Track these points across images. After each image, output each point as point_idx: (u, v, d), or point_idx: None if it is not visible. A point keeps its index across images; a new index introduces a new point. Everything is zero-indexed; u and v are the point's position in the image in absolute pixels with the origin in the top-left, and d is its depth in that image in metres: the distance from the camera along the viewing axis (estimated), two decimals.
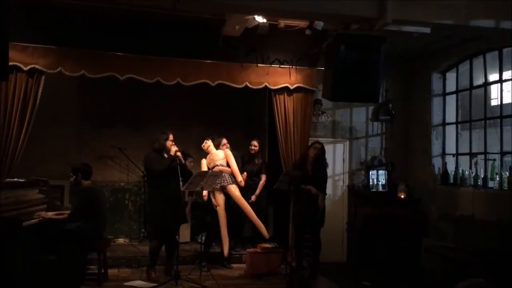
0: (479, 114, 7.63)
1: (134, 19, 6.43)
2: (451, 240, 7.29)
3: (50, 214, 6.10)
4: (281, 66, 7.10)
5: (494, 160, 6.98)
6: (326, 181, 6.92)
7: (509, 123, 7.27)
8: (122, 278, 6.47)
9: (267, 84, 7.14)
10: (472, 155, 7.54)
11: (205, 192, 6.97)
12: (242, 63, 6.93)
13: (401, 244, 7.40)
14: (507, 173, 6.67)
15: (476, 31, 6.10)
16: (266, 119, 8.56)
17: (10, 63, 5.10)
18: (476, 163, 7.30)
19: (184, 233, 7.82)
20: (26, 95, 6.21)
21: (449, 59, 8.04)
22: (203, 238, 7.08)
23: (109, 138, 8.22)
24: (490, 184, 6.92)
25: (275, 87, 7.20)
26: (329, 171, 7.27)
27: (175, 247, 6.28)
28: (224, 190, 6.95)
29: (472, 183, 7.21)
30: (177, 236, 6.32)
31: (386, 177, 8.33)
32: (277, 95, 7.28)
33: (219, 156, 7.09)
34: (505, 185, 6.63)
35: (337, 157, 8.48)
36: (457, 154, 7.94)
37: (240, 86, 7.05)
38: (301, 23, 6.64)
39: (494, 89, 8.61)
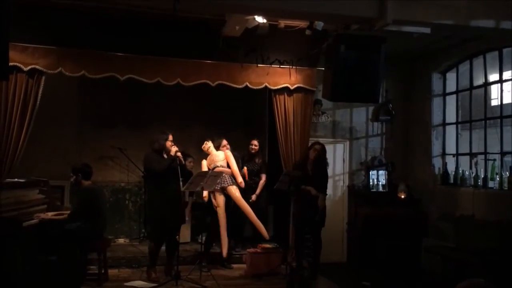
0: (479, 114, 7.63)
1: (134, 19, 6.44)
2: (451, 240, 7.29)
3: (50, 214, 6.11)
4: (281, 66, 7.10)
5: (494, 160, 6.98)
6: (326, 182, 6.91)
7: (509, 123, 7.27)
8: (122, 278, 6.47)
9: (267, 84, 7.14)
10: (472, 155, 7.54)
11: (205, 193, 6.97)
12: (242, 63, 6.94)
13: (401, 244, 7.41)
14: (507, 173, 6.67)
15: (476, 31, 6.11)
16: (266, 119, 8.57)
17: (10, 64, 5.11)
18: (476, 163, 7.30)
19: (185, 233, 7.82)
20: (26, 96, 6.21)
21: (449, 59, 8.04)
22: (204, 238, 7.08)
23: (109, 138, 8.23)
24: (490, 184, 6.92)
25: (275, 87, 7.20)
26: (329, 171, 7.27)
27: (175, 248, 6.29)
28: (224, 191, 6.95)
29: (472, 183, 7.21)
30: (177, 237, 6.32)
31: (386, 177, 8.33)
32: (277, 95, 7.28)
33: (219, 157, 7.08)
34: (505, 185, 6.63)
35: (337, 157, 8.47)
36: (457, 154, 7.94)
37: (240, 86, 7.05)
38: (301, 23, 6.64)
39: (494, 89, 8.62)
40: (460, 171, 7.53)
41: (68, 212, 6.13)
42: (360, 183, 8.43)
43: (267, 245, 7.06)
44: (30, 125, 6.24)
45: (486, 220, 6.70)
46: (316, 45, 6.98)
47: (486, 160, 7.20)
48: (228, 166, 7.07)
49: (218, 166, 6.97)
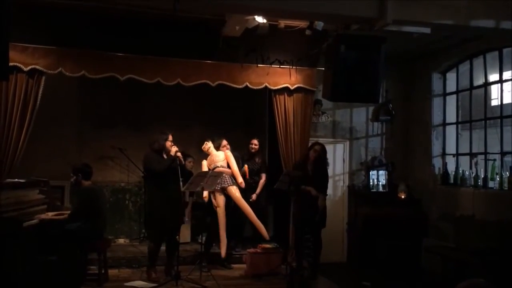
0: (479, 114, 7.63)
1: (134, 19, 6.44)
2: (451, 240, 7.29)
3: (50, 214, 6.11)
4: (281, 66, 7.10)
5: (494, 160, 6.98)
6: (327, 182, 6.90)
7: (509, 123, 7.27)
8: (123, 279, 6.47)
9: (267, 85, 7.14)
10: (472, 155, 7.54)
11: (205, 193, 6.97)
12: (242, 63, 6.94)
13: (401, 244, 7.40)
14: (507, 173, 6.67)
15: (476, 31, 6.11)
16: (266, 120, 8.57)
17: (10, 64, 5.12)
18: (476, 163, 7.30)
19: (185, 233, 7.82)
20: (27, 96, 6.21)
21: (449, 59, 8.04)
22: (204, 238, 7.08)
23: (109, 138, 8.23)
24: (490, 184, 6.92)
25: (275, 88, 7.20)
26: (329, 171, 7.26)
27: (175, 248, 6.28)
28: (224, 191, 6.95)
29: (472, 183, 7.21)
30: (177, 237, 6.32)
31: (386, 177, 8.33)
32: (277, 95, 7.28)
33: (220, 157, 7.08)
34: (505, 185, 6.63)
35: (337, 157, 8.47)
36: (457, 154, 7.94)
37: (240, 87, 7.05)
38: (301, 24, 6.64)
39: (494, 89, 8.62)
40: (460, 171, 7.52)
41: (69, 212, 6.12)
42: (360, 183, 8.43)
43: (267, 245, 7.06)
44: (30, 125, 6.24)
45: (486, 220, 6.71)
46: (316, 45, 6.98)
47: (486, 160, 7.20)
48: (228, 166, 7.07)
49: (218, 166, 6.96)
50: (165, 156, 6.34)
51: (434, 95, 8.27)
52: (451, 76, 8.22)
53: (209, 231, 7.13)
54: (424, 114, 8.38)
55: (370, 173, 8.32)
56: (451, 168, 7.84)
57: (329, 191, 7.35)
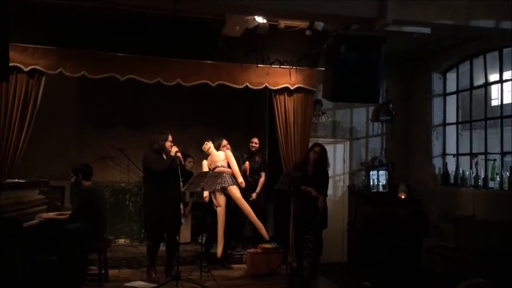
0: (480, 114, 7.63)
1: (134, 19, 6.44)
2: (451, 240, 7.28)
3: (51, 214, 6.11)
4: (281, 66, 7.09)
5: (495, 160, 6.98)
6: (327, 183, 6.90)
7: (510, 123, 7.26)
8: (123, 279, 6.48)
9: (267, 85, 7.14)
10: (472, 155, 7.53)
11: (206, 193, 6.97)
12: (242, 63, 6.93)
13: (401, 244, 7.40)
14: (507, 173, 6.67)
15: (476, 31, 6.11)
16: (266, 120, 8.57)
17: (11, 64, 5.12)
18: (476, 163, 7.29)
19: (185, 233, 7.83)
20: (27, 96, 6.21)
21: (449, 59, 8.03)
22: (204, 238, 7.08)
23: (109, 138, 8.23)
24: (491, 184, 6.91)
25: (275, 88, 7.20)
26: (330, 172, 7.26)
27: (175, 248, 6.28)
28: (224, 191, 6.95)
29: (473, 183, 7.20)
30: (177, 237, 6.32)
31: (387, 178, 8.33)
32: (277, 96, 7.28)
33: (220, 157, 7.09)
34: (506, 185, 6.62)
35: (337, 158, 8.47)
36: (457, 154, 7.94)
37: (240, 87, 7.05)
38: (301, 24, 6.64)
39: (495, 89, 8.61)
40: (461, 171, 7.52)
41: (69, 212, 6.13)
42: (361, 183, 8.43)
43: (267, 246, 7.06)
44: (30, 125, 6.24)
45: (486, 220, 6.70)
46: (316, 45, 6.98)
47: (486, 160, 7.20)
48: (229, 166, 7.08)
49: (218, 166, 6.97)
50: (164, 157, 6.34)
51: (434, 95, 8.27)
52: (451, 76, 8.21)
53: (210, 231, 7.12)
54: (424, 114, 8.37)
55: (370, 173, 8.32)
56: (451, 168, 7.84)
57: (330, 191, 7.35)
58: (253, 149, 7.70)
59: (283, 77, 7.16)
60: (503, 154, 6.99)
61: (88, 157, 7.63)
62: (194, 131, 8.42)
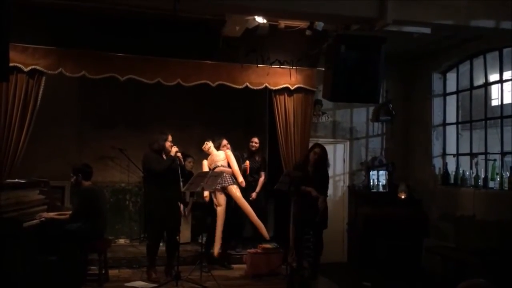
0: (480, 114, 7.63)
1: (134, 19, 6.44)
2: (451, 240, 7.29)
3: (51, 214, 6.12)
4: (281, 66, 7.09)
5: (495, 160, 6.98)
6: (327, 183, 6.89)
7: (510, 123, 7.26)
8: (123, 279, 6.48)
9: (267, 85, 7.14)
10: (472, 155, 7.53)
11: (206, 193, 6.97)
12: (242, 63, 6.93)
13: (401, 244, 7.40)
14: (507, 173, 6.67)
15: (476, 31, 6.11)
16: (266, 120, 8.56)
17: (11, 64, 5.12)
18: (476, 164, 7.30)
19: (185, 234, 7.83)
20: (27, 96, 6.21)
21: (450, 59, 8.03)
22: (204, 238, 7.08)
23: (109, 138, 8.24)
24: (491, 184, 6.91)
25: (276, 88, 7.20)
26: (330, 172, 7.25)
27: (175, 248, 6.28)
28: (225, 190, 6.95)
29: (473, 183, 7.20)
30: (177, 237, 6.32)
31: (387, 178, 8.33)
32: (277, 96, 7.28)
33: (220, 157, 7.10)
34: (506, 185, 6.62)
35: (337, 158, 8.47)
36: (457, 155, 7.94)
37: (240, 87, 7.05)
38: (302, 24, 6.64)
39: (495, 89, 8.61)
40: (461, 171, 7.52)
41: (69, 212, 6.13)
42: (361, 183, 8.43)
43: (268, 246, 7.07)
44: (30, 125, 6.24)
45: (486, 220, 6.70)
46: (316, 46, 6.98)
47: (486, 160, 7.20)
48: (229, 165, 7.08)
49: (218, 166, 6.98)
50: (164, 157, 6.34)
51: (434, 95, 8.27)
52: (451, 76, 8.21)
53: (210, 231, 7.12)
54: (424, 114, 8.38)
55: (371, 173, 8.32)
56: (451, 168, 7.84)
57: (330, 191, 7.35)
58: (253, 148, 7.70)
59: (283, 77, 7.16)
60: (503, 154, 6.99)
61: (88, 157, 7.63)
62: (194, 131, 8.42)
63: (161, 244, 6.67)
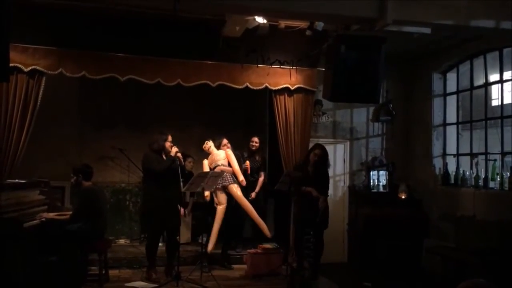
0: (480, 114, 7.62)
1: (134, 20, 6.44)
2: (452, 241, 7.28)
3: (51, 214, 6.12)
4: (281, 66, 7.10)
5: (495, 160, 6.97)
6: (328, 183, 6.88)
7: (510, 123, 7.25)
8: (123, 279, 6.48)
9: (267, 85, 7.14)
10: (472, 155, 7.53)
11: (207, 192, 6.97)
12: (242, 63, 6.94)
13: (402, 245, 7.40)
14: (507, 173, 6.67)
15: (476, 31, 6.11)
16: (266, 120, 8.57)
17: (11, 64, 5.14)
18: (476, 164, 7.29)
19: (185, 234, 7.83)
20: (27, 96, 6.22)
21: (450, 59, 8.03)
22: (204, 239, 7.07)
23: (109, 139, 8.24)
24: (491, 184, 6.91)
25: (276, 88, 7.20)
26: (330, 172, 7.25)
27: (176, 248, 6.28)
28: (225, 189, 6.96)
29: (473, 183, 7.20)
30: (178, 237, 6.32)
31: (387, 178, 8.32)
32: (277, 96, 7.28)
33: (220, 156, 7.10)
34: (506, 185, 6.62)
35: (337, 158, 8.47)
36: (458, 155, 7.93)
37: (240, 87, 7.05)
38: (302, 24, 6.65)
39: (495, 90, 8.60)
40: (461, 172, 7.52)
41: (70, 212, 6.13)
42: (361, 183, 8.43)
43: (268, 246, 7.06)
44: (30, 125, 6.24)
45: (486, 221, 6.70)
46: (316, 46, 6.99)
47: (486, 160, 7.19)
48: (229, 165, 7.09)
49: (219, 165, 6.99)
50: (164, 157, 6.34)
51: (435, 95, 8.27)
52: (451, 76, 8.21)
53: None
54: (424, 114, 8.37)
55: (371, 173, 8.31)
56: (451, 168, 7.84)
57: (330, 191, 7.35)
58: (253, 148, 7.70)
59: (283, 77, 7.17)
60: (503, 154, 6.98)
61: (88, 158, 7.63)
62: (194, 131, 8.42)
63: (161, 244, 6.68)
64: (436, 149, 8.22)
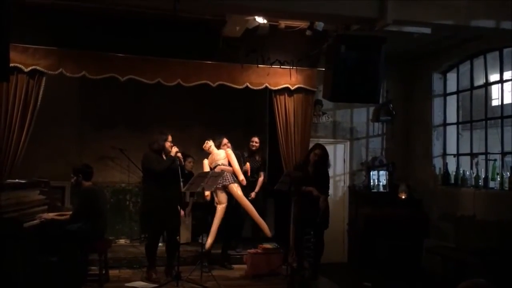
0: (480, 114, 7.63)
1: (134, 20, 6.44)
2: (452, 241, 7.28)
3: (51, 215, 6.12)
4: (281, 66, 7.10)
5: (495, 160, 6.98)
6: (328, 183, 6.88)
7: (510, 123, 7.26)
8: (123, 279, 6.48)
9: (267, 85, 7.14)
10: (473, 155, 7.53)
11: (207, 192, 6.97)
12: (242, 63, 6.94)
13: (402, 245, 7.40)
14: (507, 173, 6.67)
15: (476, 31, 6.11)
16: (266, 120, 8.58)
17: (11, 64, 5.14)
18: (477, 164, 7.29)
19: (185, 234, 7.83)
20: (27, 96, 6.22)
21: (450, 59, 8.04)
22: (204, 239, 7.07)
23: (109, 139, 8.24)
24: (491, 184, 6.91)
25: (276, 88, 7.20)
26: (330, 172, 7.25)
27: (176, 248, 6.28)
28: (226, 189, 6.96)
29: (473, 183, 7.20)
30: (178, 237, 6.32)
31: (387, 178, 8.33)
32: (277, 96, 7.28)
33: (221, 155, 7.10)
34: (506, 185, 6.62)
35: (337, 158, 8.47)
36: (458, 155, 7.93)
37: (240, 87, 7.05)
38: (302, 24, 6.65)
39: (495, 90, 8.60)
40: (461, 172, 7.52)
41: (70, 212, 6.13)
42: (361, 183, 8.43)
43: (268, 246, 7.06)
44: (30, 126, 6.25)
45: (486, 220, 6.70)
46: (316, 46, 6.99)
47: (486, 160, 7.19)
48: (230, 164, 7.09)
49: (219, 165, 6.99)
50: (164, 157, 6.34)
51: (435, 95, 8.27)
52: (451, 76, 8.22)
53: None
54: (424, 114, 8.38)
55: (371, 173, 8.32)
56: (451, 168, 7.84)
57: (330, 191, 7.33)
58: (253, 148, 7.70)
59: (283, 77, 7.17)
60: (503, 154, 6.98)
61: (88, 158, 7.64)
62: (194, 131, 8.42)
63: (161, 244, 6.68)
64: (436, 149, 8.22)
